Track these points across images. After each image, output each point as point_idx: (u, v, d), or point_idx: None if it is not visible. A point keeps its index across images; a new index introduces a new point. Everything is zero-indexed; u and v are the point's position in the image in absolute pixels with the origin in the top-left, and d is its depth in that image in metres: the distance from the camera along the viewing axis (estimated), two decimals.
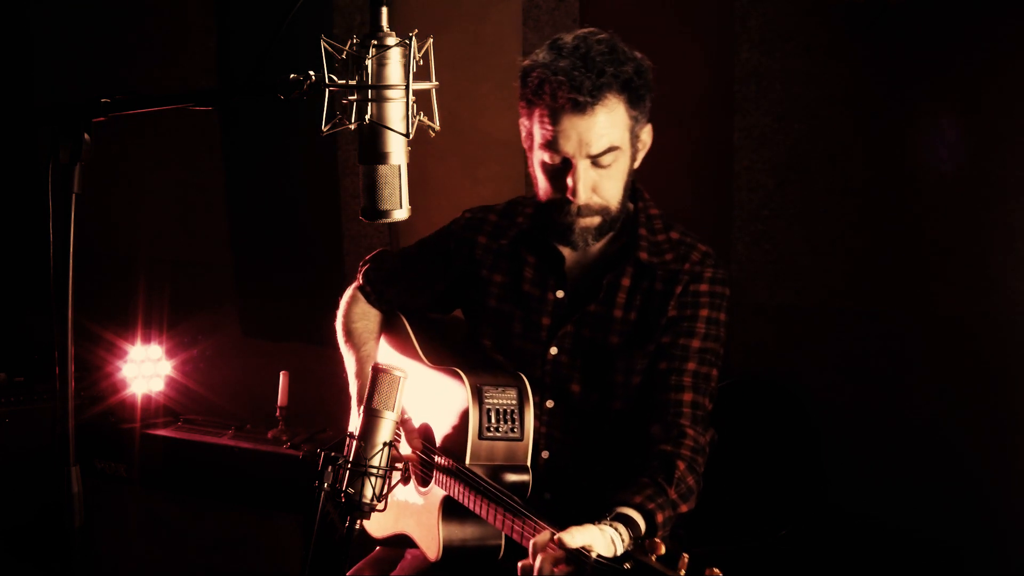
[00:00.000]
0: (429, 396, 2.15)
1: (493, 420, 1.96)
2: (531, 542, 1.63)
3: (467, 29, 3.43)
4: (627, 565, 1.44)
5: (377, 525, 2.26)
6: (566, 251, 2.09)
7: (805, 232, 3.01)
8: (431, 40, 1.49)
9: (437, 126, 1.53)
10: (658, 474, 1.85)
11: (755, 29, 2.98)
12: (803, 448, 2.92)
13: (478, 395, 1.97)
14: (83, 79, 4.30)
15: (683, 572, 1.38)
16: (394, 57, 1.47)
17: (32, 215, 4.08)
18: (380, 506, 1.82)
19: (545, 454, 2.08)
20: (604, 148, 1.91)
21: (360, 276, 2.41)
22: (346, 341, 2.35)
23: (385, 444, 1.83)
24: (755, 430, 2.09)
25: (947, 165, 2.78)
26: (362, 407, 1.90)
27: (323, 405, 3.65)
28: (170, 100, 1.60)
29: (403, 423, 2.14)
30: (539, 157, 1.98)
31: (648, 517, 1.76)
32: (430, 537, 2.03)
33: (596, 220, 1.99)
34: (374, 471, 1.81)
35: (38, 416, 3.47)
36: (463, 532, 2.00)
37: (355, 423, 2.19)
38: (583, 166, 1.93)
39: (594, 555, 1.50)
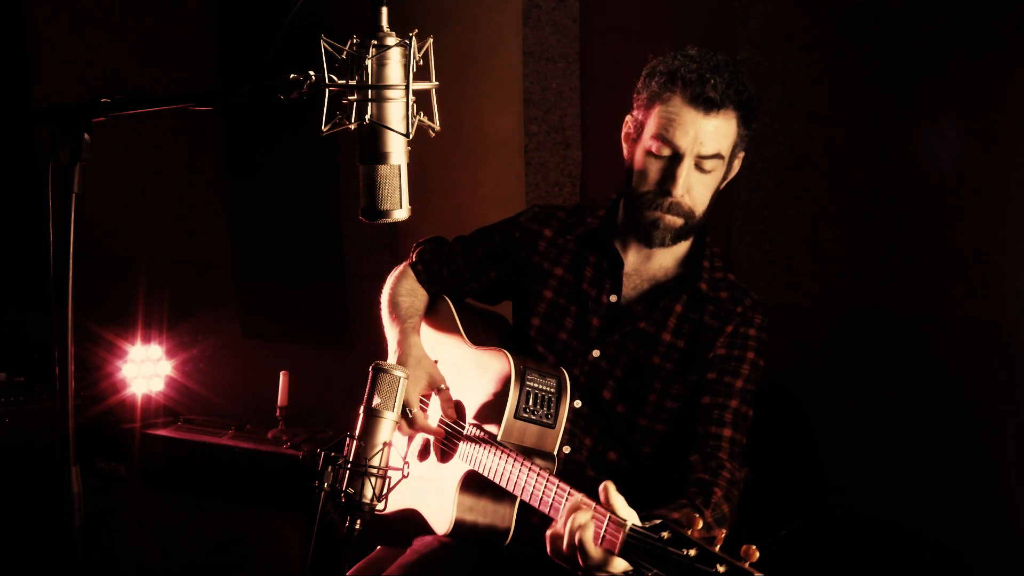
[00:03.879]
0: (467, 374, 2.18)
1: (531, 403, 2.02)
2: (565, 505, 1.72)
3: (467, 29, 3.43)
4: (665, 534, 1.49)
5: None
6: (628, 258, 2.18)
7: (805, 232, 3.01)
8: (431, 40, 1.49)
9: (437, 126, 1.53)
10: (696, 498, 1.90)
11: (755, 29, 2.98)
12: (803, 448, 2.92)
13: (521, 376, 2.02)
14: (83, 79, 4.30)
15: (718, 547, 1.43)
16: (394, 57, 1.46)
17: (32, 215, 4.08)
18: (380, 506, 1.83)
19: (567, 449, 2.13)
20: (712, 152, 2.00)
21: (413, 254, 2.44)
22: (391, 313, 2.35)
23: (385, 444, 1.84)
24: (755, 430, 2.11)
25: (948, 165, 2.78)
26: (362, 407, 1.90)
27: (323, 405, 3.64)
28: (170, 100, 1.60)
29: (439, 392, 2.18)
30: (646, 146, 2.04)
31: None
32: (443, 512, 2.06)
33: (679, 222, 2.06)
34: (374, 471, 1.81)
35: (38, 416, 3.47)
36: (477, 510, 2.04)
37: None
38: (688, 163, 2.01)
39: (629, 523, 1.55)
